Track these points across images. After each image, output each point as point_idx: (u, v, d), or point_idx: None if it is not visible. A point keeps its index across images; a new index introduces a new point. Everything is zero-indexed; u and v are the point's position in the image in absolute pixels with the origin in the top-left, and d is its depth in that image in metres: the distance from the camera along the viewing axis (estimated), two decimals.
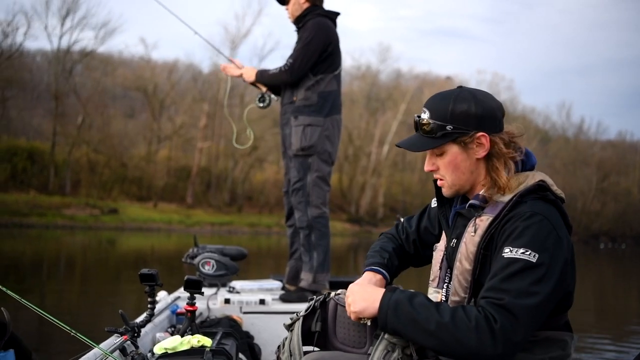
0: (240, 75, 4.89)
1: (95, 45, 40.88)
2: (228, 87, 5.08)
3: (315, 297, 2.20)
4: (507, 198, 1.93)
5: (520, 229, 1.83)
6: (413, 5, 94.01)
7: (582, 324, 8.86)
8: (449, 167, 2.01)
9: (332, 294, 2.16)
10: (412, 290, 1.92)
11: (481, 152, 1.97)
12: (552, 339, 1.93)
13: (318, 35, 4.56)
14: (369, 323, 1.98)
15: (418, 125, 2.02)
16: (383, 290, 1.94)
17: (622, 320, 10.54)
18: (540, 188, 1.95)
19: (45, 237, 26.15)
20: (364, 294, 1.96)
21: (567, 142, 60.56)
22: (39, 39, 68.86)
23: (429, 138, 1.99)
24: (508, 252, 1.81)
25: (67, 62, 39.93)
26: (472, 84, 55.92)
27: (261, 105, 4.87)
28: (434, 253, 2.19)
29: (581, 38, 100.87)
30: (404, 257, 2.35)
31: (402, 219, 4.82)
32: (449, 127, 1.95)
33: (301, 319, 2.15)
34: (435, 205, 2.23)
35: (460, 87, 2.03)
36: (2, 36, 36.30)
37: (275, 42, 46.56)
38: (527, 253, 1.79)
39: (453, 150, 1.98)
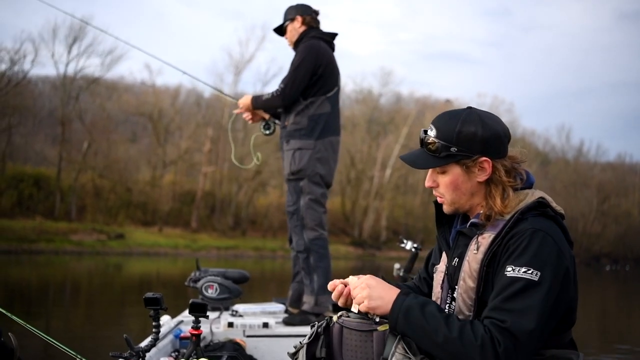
0: (239, 112, 4.93)
1: (101, 72, 41.14)
2: (234, 114, 5.08)
3: (317, 322, 2.18)
4: (508, 216, 1.94)
5: (523, 247, 1.84)
6: (413, 29, 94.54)
7: (589, 344, 8.78)
8: (449, 187, 2.02)
9: (335, 317, 2.14)
10: (424, 298, 1.94)
11: (482, 177, 1.98)
12: (558, 358, 1.93)
13: (307, 59, 4.57)
14: (377, 319, 2.00)
15: (423, 141, 2.03)
16: (398, 291, 1.94)
17: (631, 340, 10.43)
18: (540, 205, 1.96)
19: (54, 263, 26.11)
20: (380, 292, 1.96)
21: (567, 165, 60.53)
22: (46, 66, 69.43)
23: (433, 156, 2.00)
24: (510, 271, 1.82)
25: (73, 89, 40.14)
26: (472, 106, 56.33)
27: (267, 132, 4.93)
28: (434, 275, 2.20)
29: (580, 61, 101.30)
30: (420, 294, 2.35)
31: (405, 241, 4.78)
32: (453, 149, 1.96)
33: (305, 346, 2.12)
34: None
35: (469, 107, 2.04)
36: (10, 64, 36.58)
37: (279, 67, 46.69)
38: (530, 272, 1.80)
39: (455, 171, 1.99)
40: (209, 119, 44.90)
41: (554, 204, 2.00)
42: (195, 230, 42.61)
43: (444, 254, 2.17)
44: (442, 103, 52.26)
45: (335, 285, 2.10)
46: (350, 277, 2.09)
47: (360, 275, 2.08)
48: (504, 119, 2.14)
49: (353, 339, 2.06)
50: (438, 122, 2.02)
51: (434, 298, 2.14)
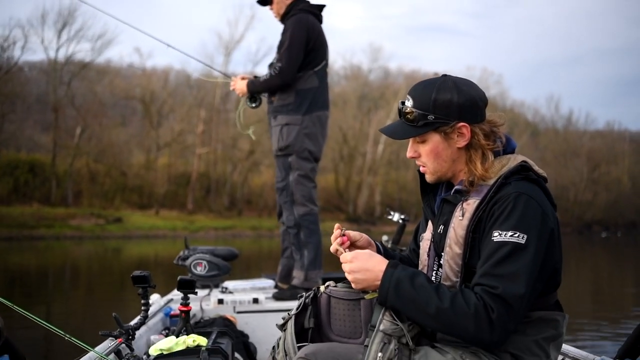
0: (233, 88, 4.84)
1: (92, 56, 40.85)
2: (241, 107, 4.96)
3: (305, 294, 2.17)
4: (491, 181, 1.93)
5: (508, 211, 1.84)
6: (397, 3, 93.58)
7: (581, 309, 8.85)
8: (430, 155, 2.01)
9: (322, 287, 2.14)
10: (413, 269, 1.92)
11: (462, 142, 1.97)
12: (544, 319, 1.93)
13: (299, 34, 4.49)
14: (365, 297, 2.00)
15: (401, 112, 2.02)
16: (386, 263, 1.92)
17: (622, 304, 10.52)
18: (523, 168, 1.95)
19: (54, 248, 26.14)
20: (366, 263, 1.94)
21: (556, 134, 60.63)
22: (36, 52, 68.88)
23: (411, 126, 1.99)
24: (497, 236, 1.82)
25: (65, 75, 39.86)
26: None
27: (253, 105, 4.81)
28: (420, 243, 2.19)
29: (566, 29, 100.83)
30: (412, 266, 2.32)
31: (392, 212, 4.77)
32: (430, 117, 1.95)
33: (293, 317, 2.12)
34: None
35: (444, 75, 2.04)
36: (0, 51, 36.29)
37: (269, 47, 46.38)
38: (516, 235, 1.80)
39: (434, 139, 1.99)
40: (201, 100, 44.69)
41: (536, 168, 1.99)
42: (191, 211, 42.62)
43: (429, 223, 2.16)
44: (430, 77, 52.08)
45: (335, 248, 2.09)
46: (344, 252, 2.05)
47: (363, 240, 2.09)
48: (493, 91, 2.13)
49: (341, 308, 2.07)
50: (414, 92, 2.01)
51: (420, 266, 2.14)
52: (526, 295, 1.77)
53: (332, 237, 2.10)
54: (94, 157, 40.86)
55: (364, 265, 1.93)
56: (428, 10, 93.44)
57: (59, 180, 38.73)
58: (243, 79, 4.82)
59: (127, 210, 39.97)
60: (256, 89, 4.69)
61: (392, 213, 4.73)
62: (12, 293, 11.01)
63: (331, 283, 2.14)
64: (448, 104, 1.94)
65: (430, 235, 2.11)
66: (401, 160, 51.23)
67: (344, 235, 2.10)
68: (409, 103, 2.00)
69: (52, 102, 39.34)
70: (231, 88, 4.90)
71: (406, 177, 51.19)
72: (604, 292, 12.63)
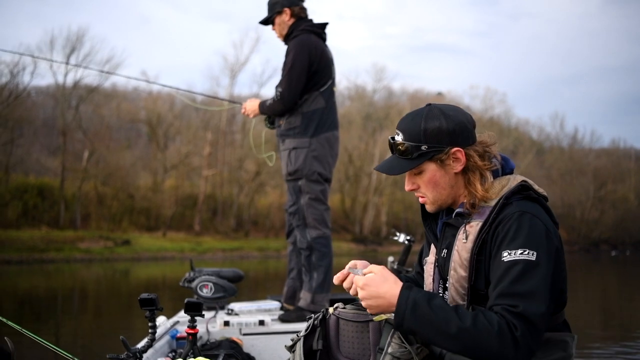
0: (244, 112, 4.84)
1: (100, 80, 41.11)
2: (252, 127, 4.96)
3: (313, 315, 2.17)
4: (493, 202, 1.94)
5: (514, 230, 1.84)
6: (400, 23, 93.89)
7: (590, 329, 8.75)
8: (429, 185, 2.02)
9: (331, 309, 2.14)
10: (428, 291, 1.91)
11: (458, 167, 1.98)
12: (552, 341, 1.92)
13: (300, 57, 4.44)
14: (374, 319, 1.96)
15: (393, 147, 2.03)
16: (400, 285, 1.89)
17: (633, 324, 10.40)
18: (524, 188, 1.96)
19: (64, 271, 26.16)
20: (380, 289, 1.90)
21: (562, 153, 60.53)
22: (45, 77, 69.52)
23: (406, 159, 2.00)
24: (507, 256, 1.81)
25: (73, 99, 40.12)
26: (466, 99, 55.51)
27: (272, 127, 4.78)
28: (424, 267, 2.18)
29: (569, 47, 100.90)
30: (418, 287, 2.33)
31: (397, 233, 4.75)
32: (424, 147, 1.96)
33: (302, 339, 2.12)
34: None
35: (429, 104, 2.05)
36: (10, 77, 36.57)
37: (274, 69, 46.59)
38: (526, 253, 1.80)
39: (431, 168, 1.99)
40: (207, 123, 44.86)
41: (536, 187, 2.00)
42: (198, 233, 42.58)
43: (432, 247, 2.16)
44: (434, 97, 52.23)
45: (340, 279, 2.07)
46: (357, 273, 2.03)
47: (369, 266, 2.04)
48: (498, 110, 2.15)
49: (349, 330, 2.07)
50: (403, 125, 2.02)
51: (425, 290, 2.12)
52: (546, 313, 1.77)
53: (345, 285, 2.06)
54: (101, 180, 40.96)
55: (377, 290, 1.90)
56: (430, 29, 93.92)
57: (68, 204, 38.81)
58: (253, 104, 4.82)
59: (134, 232, 39.97)
60: (263, 111, 4.69)
61: (397, 234, 4.71)
62: (22, 316, 11.01)
63: (340, 305, 2.14)
64: (438, 131, 1.95)
65: (434, 259, 2.11)
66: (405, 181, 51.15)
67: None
68: (399, 137, 2.01)
69: (60, 126, 39.55)
70: (242, 112, 4.88)
71: (411, 197, 51.00)
72: (613, 311, 12.49)
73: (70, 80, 39.84)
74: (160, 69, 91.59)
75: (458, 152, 1.96)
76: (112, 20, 69.45)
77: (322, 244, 4.50)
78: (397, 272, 2.33)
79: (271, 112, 4.62)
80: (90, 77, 41.28)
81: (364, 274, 1.97)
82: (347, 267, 2.08)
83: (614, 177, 59.78)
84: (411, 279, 2.33)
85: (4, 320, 2.71)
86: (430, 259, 2.13)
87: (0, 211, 35.10)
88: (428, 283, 2.12)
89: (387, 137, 2.09)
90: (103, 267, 29.05)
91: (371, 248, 46.36)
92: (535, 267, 1.79)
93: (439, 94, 54.41)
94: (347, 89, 53.46)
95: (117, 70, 40.33)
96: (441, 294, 2.04)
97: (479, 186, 1.96)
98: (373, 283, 1.92)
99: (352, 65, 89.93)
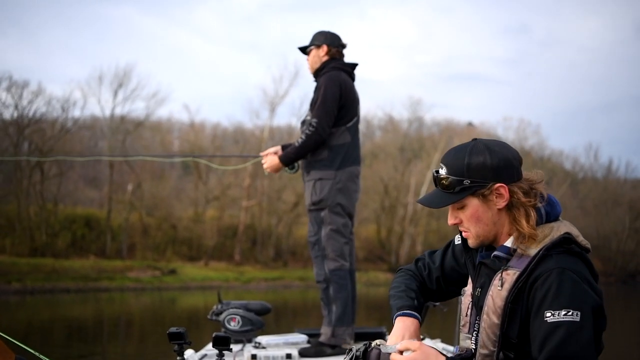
0: (268, 171, 4.69)
1: (148, 113, 41.86)
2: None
3: (354, 347, 2.02)
4: (533, 252, 1.85)
5: (555, 289, 1.77)
6: (430, 51, 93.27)
7: None
8: (471, 220, 1.95)
9: (374, 343, 2.00)
10: None
11: (501, 203, 1.91)
12: None
13: (332, 90, 4.43)
14: None
15: (437, 180, 1.98)
16: (444, 358, 1.83)
17: None
18: (566, 241, 1.87)
19: (116, 300, 26.56)
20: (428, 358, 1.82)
21: (596, 184, 59.33)
22: (94, 112, 71.43)
23: (448, 193, 1.94)
24: (550, 316, 1.75)
25: (120, 133, 40.91)
26: (499, 131, 55.31)
27: (292, 171, 4.69)
28: (461, 297, 2.11)
29: (603, 75, 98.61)
30: (426, 294, 2.26)
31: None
32: (466, 182, 1.91)
33: None
34: (459, 242, 2.15)
35: (475, 139, 1.99)
36: (61, 111, 37.57)
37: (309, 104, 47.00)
38: (570, 314, 1.74)
39: (473, 203, 1.93)
40: (248, 154, 45.24)
41: (580, 239, 1.91)
42: (239, 263, 42.69)
43: (470, 277, 2.10)
44: (464, 127, 51.90)
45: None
46: (390, 351, 1.91)
47: (404, 342, 1.91)
48: (531, 142, 2.05)
49: None
50: (447, 159, 1.98)
51: (462, 323, 2.06)
52: None
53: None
54: (147, 211, 41.47)
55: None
56: (461, 58, 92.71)
57: (114, 234, 39.36)
58: (275, 154, 4.66)
59: (177, 262, 40.27)
60: (290, 158, 4.54)
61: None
62: (70, 342, 11.11)
63: (382, 341, 1.99)
64: (482, 166, 1.90)
65: (470, 292, 2.04)
66: (442, 211, 50.23)
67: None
68: (442, 171, 1.96)
69: (108, 160, 40.32)
70: (264, 167, 4.70)
71: (447, 227, 50.31)
72: None
73: (117, 115, 40.68)
74: (201, 101, 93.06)
75: (501, 187, 1.91)
76: (145, 51, 70.90)
77: (340, 276, 4.40)
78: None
79: (303, 149, 4.48)
80: (137, 110, 42.09)
81: (400, 351, 1.87)
82: (374, 343, 1.97)
83: None
84: (419, 289, 2.22)
85: (37, 354, 2.67)
86: (468, 291, 2.06)
87: (51, 241, 35.81)
88: (464, 316, 2.05)
89: (422, 168, 1.99)
90: (152, 296, 29.35)
91: None
92: (580, 329, 1.74)
93: (469, 124, 54.01)
94: (378, 119, 53.45)
95: (162, 103, 41.04)
96: (476, 331, 1.96)
97: (524, 223, 1.89)
98: (425, 352, 1.84)
99: (383, 94, 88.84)
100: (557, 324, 1.74)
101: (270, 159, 4.64)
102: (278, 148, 4.73)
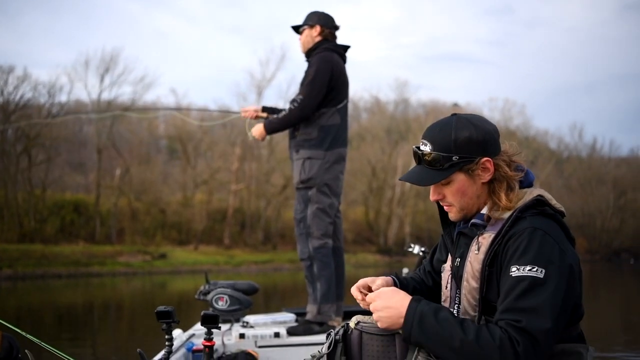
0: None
1: (133, 99, 41.54)
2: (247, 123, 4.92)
3: (333, 330, 2.06)
4: (507, 215, 1.89)
5: (524, 246, 1.79)
6: (414, 32, 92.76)
7: (610, 340, 8.52)
8: (456, 195, 1.97)
9: (352, 323, 2.04)
10: (436, 304, 1.87)
11: (486, 177, 1.94)
12: (566, 352, 1.87)
13: (323, 70, 4.45)
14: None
15: (420, 157, 1.97)
16: (409, 299, 1.87)
17: None
18: (539, 203, 1.90)
19: (107, 284, 26.58)
20: (390, 301, 1.89)
21: (581, 162, 59.74)
22: (80, 96, 70.75)
23: (435, 170, 1.94)
24: (515, 271, 1.77)
25: (107, 118, 40.63)
26: (485, 111, 55.51)
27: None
28: (442, 274, 2.14)
29: (586, 55, 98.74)
30: (424, 288, 2.30)
31: (412, 245, 4.68)
32: (455, 158, 1.91)
33: (325, 356, 2.03)
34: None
35: (454, 114, 2.00)
36: (47, 97, 37.23)
37: (298, 85, 46.80)
38: (534, 269, 1.75)
39: (460, 178, 1.95)
40: (235, 139, 45.08)
41: (553, 202, 1.94)
42: (228, 246, 42.70)
43: (449, 254, 2.13)
44: (450, 108, 51.94)
45: (356, 294, 2.11)
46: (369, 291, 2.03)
47: (379, 283, 2.06)
48: (516, 122, 2.08)
49: (374, 344, 1.97)
50: (431, 135, 1.97)
51: (443, 297, 2.09)
52: (552, 330, 1.71)
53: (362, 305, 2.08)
54: (135, 196, 41.32)
55: (387, 302, 1.88)
56: (445, 39, 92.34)
57: (103, 219, 39.22)
58: (255, 111, 4.86)
59: (167, 246, 40.21)
60: (274, 128, 4.63)
61: (412, 246, 4.70)
62: (61, 326, 11.14)
63: (361, 318, 2.03)
64: (469, 141, 1.91)
65: (450, 267, 2.08)
66: (429, 191, 50.82)
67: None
68: (427, 147, 1.96)
69: (95, 144, 40.06)
70: (242, 115, 4.88)
71: (434, 207, 50.56)
72: (635, 322, 12.18)
73: (104, 100, 40.35)
74: (188, 85, 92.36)
75: (487, 162, 1.92)
76: (131, 36, 70.28)
77: (324, 253, 4.45)
78: (404, 280, 2.27)
79: (285, 123, 4.57)
80: (124, 95, 41.78)
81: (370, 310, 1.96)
82: (352, 322, 2.04)
83: (633, 186, 58.76)
84: (417, 283, 2.29)
85: (24, 334, 2.70)
86: (447, 266, 2.10)
87: (40, 227, 35.65)
88: (445, 291, 2.08)
89: (409, 149, 2.02)
90: (143, 280, 29.33)
91: (396, 259, 46.07)
92: (542, 284, 1.74)
93: (455, 105, 54.02)
94: (365, 101, 53.37)
95: (149, 89, 40.82)
96: (457, 303, 1.99)
97: (503, 196, 1.92)
98: (384, 295, 1.90)
99: (369, 76, 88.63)
100: (520, 278, 1.75)
101: (256, 126, 4.70)
102: (259, 107, 4.88)
